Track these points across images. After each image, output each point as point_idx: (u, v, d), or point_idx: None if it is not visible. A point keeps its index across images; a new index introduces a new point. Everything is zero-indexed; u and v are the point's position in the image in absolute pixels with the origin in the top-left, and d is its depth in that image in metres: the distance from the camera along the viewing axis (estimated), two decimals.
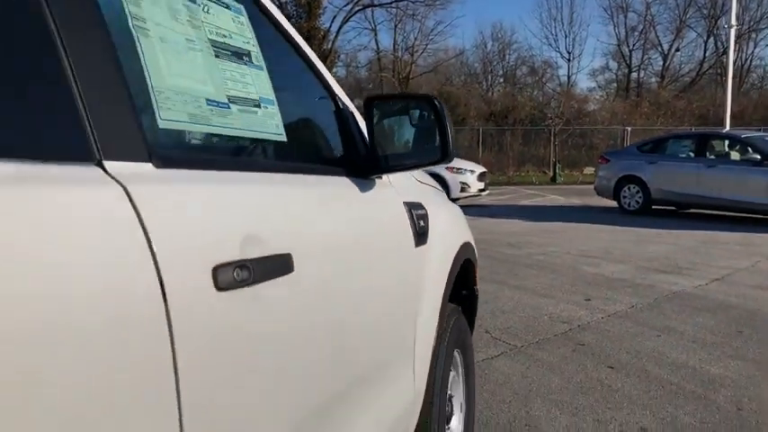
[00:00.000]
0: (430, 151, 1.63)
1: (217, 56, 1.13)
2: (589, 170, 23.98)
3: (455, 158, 15.75)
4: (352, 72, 34.85)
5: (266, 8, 1.36)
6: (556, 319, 4.91)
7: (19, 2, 0.72)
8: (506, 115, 31.33)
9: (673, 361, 3.91)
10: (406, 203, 1.81)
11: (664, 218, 11.91)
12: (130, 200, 0.76)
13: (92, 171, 0.76)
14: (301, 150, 1.48)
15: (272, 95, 1.29)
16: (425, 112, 1.62)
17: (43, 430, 0.61)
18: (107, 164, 0.77)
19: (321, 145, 1.59)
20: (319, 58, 1.51)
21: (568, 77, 38.59)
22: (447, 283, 2.07)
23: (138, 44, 0.92)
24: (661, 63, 38.61)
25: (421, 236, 1.85)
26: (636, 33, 38.78)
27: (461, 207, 2.97)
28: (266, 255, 0.98)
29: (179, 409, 0.77)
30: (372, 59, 33.12)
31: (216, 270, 0.86)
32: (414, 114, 1.65)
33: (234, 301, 0.89)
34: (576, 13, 52.73)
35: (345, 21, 30.32)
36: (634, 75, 39.18)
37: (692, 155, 11.85)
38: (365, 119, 1.61)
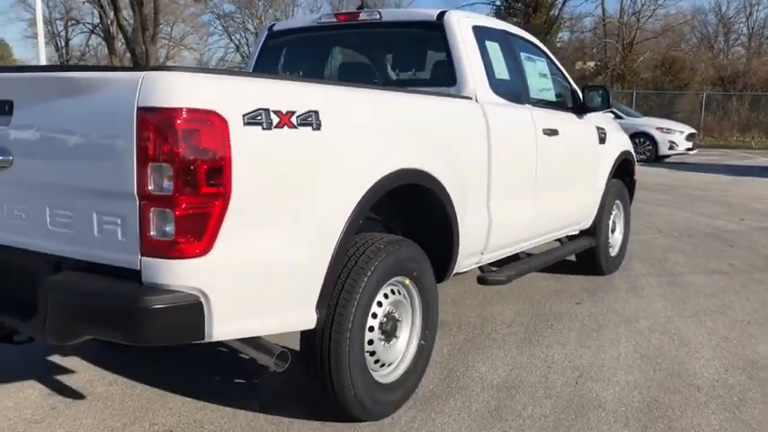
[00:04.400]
0: (604, 105, 4.37)
1: (539, 75, 4.03)
2: None
3: (665, 120, 17.60)
4: (577, 36, 36.05)
5: (551, 57, 4.25)
6: (710, 227, 7.23)
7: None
8: (735, 80, 30.81)
9: None
10: (596, 126, 4.57)
11: None
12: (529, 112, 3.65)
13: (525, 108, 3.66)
14: (561, 104, 4.30)
15: (552, 87, 4.17)
16: (602, 90, 4.38)
17: None
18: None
19: (566, 101, 4.39)
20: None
21: None
22: (612, 165, 4.78)
23: (526, 70, 3.86)
24: None
25: (601, 140, 4.60)
26: None
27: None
28: (553, 128, 3.82)
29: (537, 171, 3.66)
30: (598, 25, 34.05)
31: (542, 130, 3.71)
32: (600, 91, 4.40)
33: (546, 141, 3.74)
34: None
35: None
36: None
37: None
38: (582, 94, 4.39)
